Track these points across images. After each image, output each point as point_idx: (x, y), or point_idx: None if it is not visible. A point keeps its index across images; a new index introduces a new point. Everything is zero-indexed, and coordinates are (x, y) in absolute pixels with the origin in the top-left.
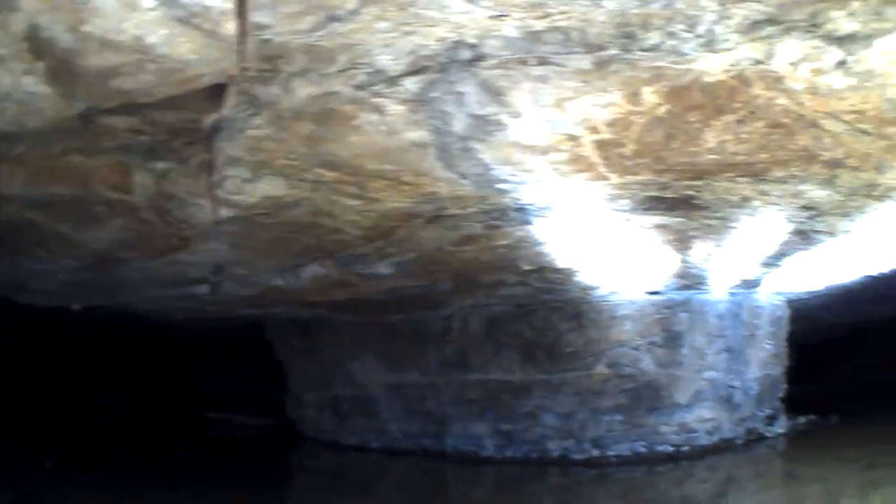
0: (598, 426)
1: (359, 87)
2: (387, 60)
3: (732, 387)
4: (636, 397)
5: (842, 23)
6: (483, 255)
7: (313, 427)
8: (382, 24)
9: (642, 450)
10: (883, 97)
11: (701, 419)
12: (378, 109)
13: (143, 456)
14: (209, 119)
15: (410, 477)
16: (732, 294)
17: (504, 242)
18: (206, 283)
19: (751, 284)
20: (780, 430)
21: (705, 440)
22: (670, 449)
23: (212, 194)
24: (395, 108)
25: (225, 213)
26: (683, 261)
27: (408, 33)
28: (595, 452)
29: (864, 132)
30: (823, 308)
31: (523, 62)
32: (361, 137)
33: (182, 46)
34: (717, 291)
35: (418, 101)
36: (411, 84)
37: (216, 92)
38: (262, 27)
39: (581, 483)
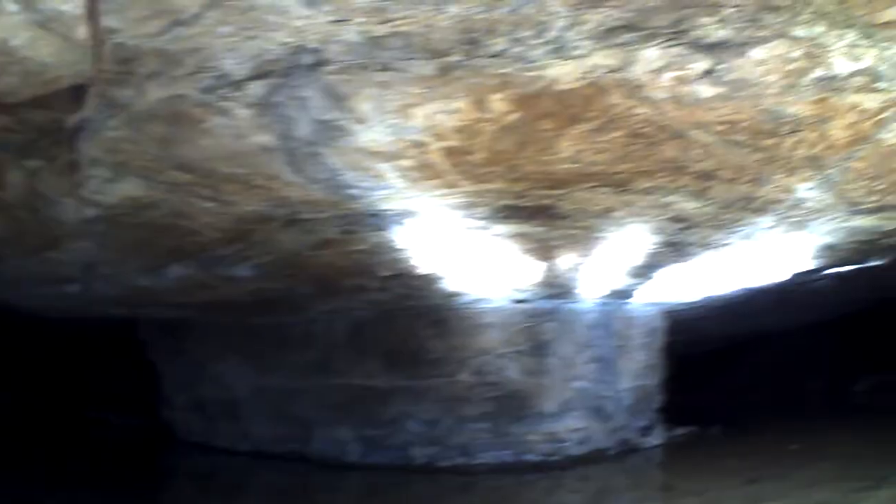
0: (464, 434)
1: (206, 90)
2: (231, 64)
3: (603, 397)
4: (502, 405)
5: (711, 30)
6: (340, 259)
7: (184, 429)
8: (225, 29)
9: (510, 458)
10: (757, 108)
11: (570, 429)
12: (225, 113)
13: (20, 455)
14: (72, 119)
15: (276, 482)
16: (603, 304)
17: (361, 248)
18: (76, 282)
19: (622, 295)
20: (657, 442)
21: (576, 450)
22: (539, 458)
23: (77, 193)
24: (241, 112)
25: (90, 212)
26: (549, 270)
27: (250, 38)
28: (461, 460)
29: (738, 144)
30: (704, 319)
31: (365, 68)
32: (211, 140)
33: (42, 49)
34: (587, 301)
35: (263, 106)
36: (256, 88)
37: (77, 93)
38: (113, 31)
39: (448, 491)
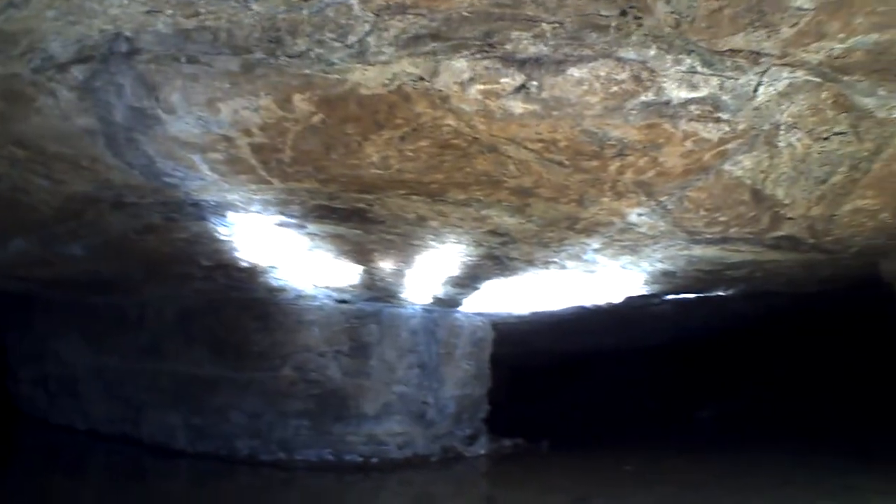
0: (286, 429)
1: (36, 70)
2: (57, 47)
3: (426, 403)
4: (323, 404)
5: (526, 45)
6: (164, 246)
7: (28, 403)
8: (51, 13)
9: (330, 458)
10: (577, 128)
11: (391, 432)
12: (53, 94)
13: None
14: None
15: (110, 463)
16: (428, 310)
17: (182, 236)
18: None
19: (448, 303)
20: (482, 451)
21: (397, 454)
22: (359, 459)
23: None
24: (66, 94)
25: None
26: (368, 273)
27: (73, 23)
28: (282, 455)
29: (558, 163)
30: (536, 334)
31: (176, 59)
32: (41, 119)
33: None
34: (411, 306)
35: (85, 89)
36: (78, 72)
37: None
38: None
39: (271, 486)
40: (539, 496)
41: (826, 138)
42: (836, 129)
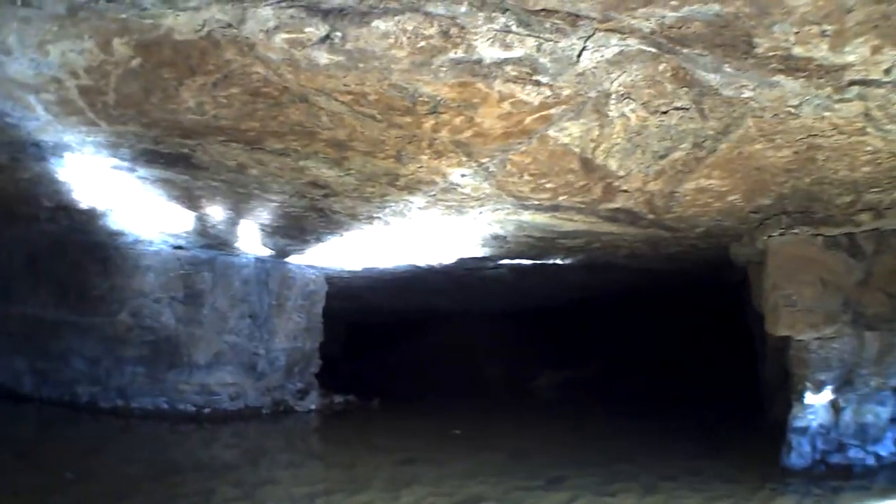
0: (123, 376)
1: None
2: None
3: (257, 354)
4: (157, 351)
5: None
6: (10, 186)
7: None
8: None
9: (165, 406)
10: (387, 82)
11: (223, 383)
12: None
13: None
14: None
15: None
16: (260, 260)
17: (25, 176)
18: None
19: (280, 254)
20: (313, 406)
21: (229, 405)
22: (193, 409)
23: None
24: None
25: None
26: (200, 219)
27: None
28: (120, 402)
29: (371, 117)
30: (372, 290)
31: (12, 1)
32: None
33: None
34: (244, 255)
35: None
36: None
37: None
38: None
39: (109, 432)
40: (365, 456)
41: (665, 112)
42: (677, 104)
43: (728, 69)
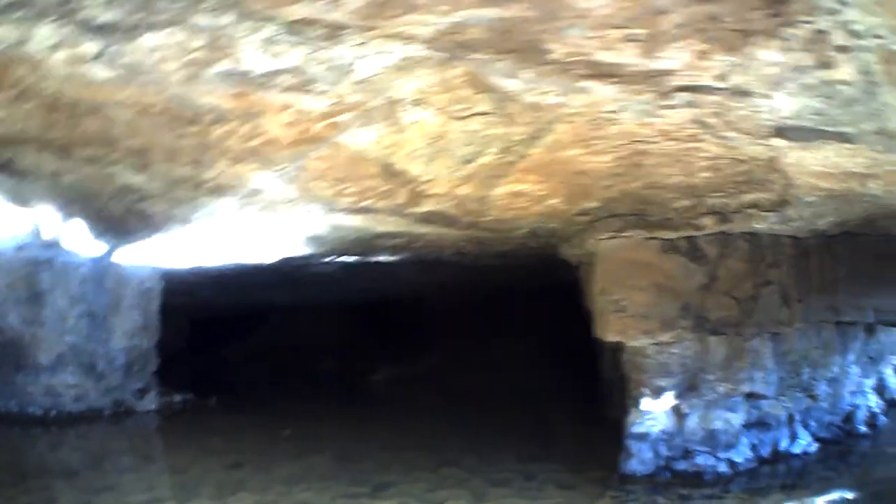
0: None
1: None
2: None
3: (96, 354)
4: (4, 353)
5: (99, 11)
6: None
7: None
8: None
9: (16, 409)
10: (166, 94)
11: (66, 384)
12: None
13: None
14: None
15: None
16: (96, 259)
17: None
18: None
19: (112, 253)
20: (153, 406)
21: (73, 406)
22: (40, 412)
23: None
24: None
25: None
26: (35, 220)
27: None
28: None
29: (162, 127)
30: (206, 287)
31: None
32: None
33: None
34: (80, 255)
35: None
36: None
37: None
38: None
39: None
40: (197, 459)
41: (465, 118)
42: (477, 110)
43: (526, 74)
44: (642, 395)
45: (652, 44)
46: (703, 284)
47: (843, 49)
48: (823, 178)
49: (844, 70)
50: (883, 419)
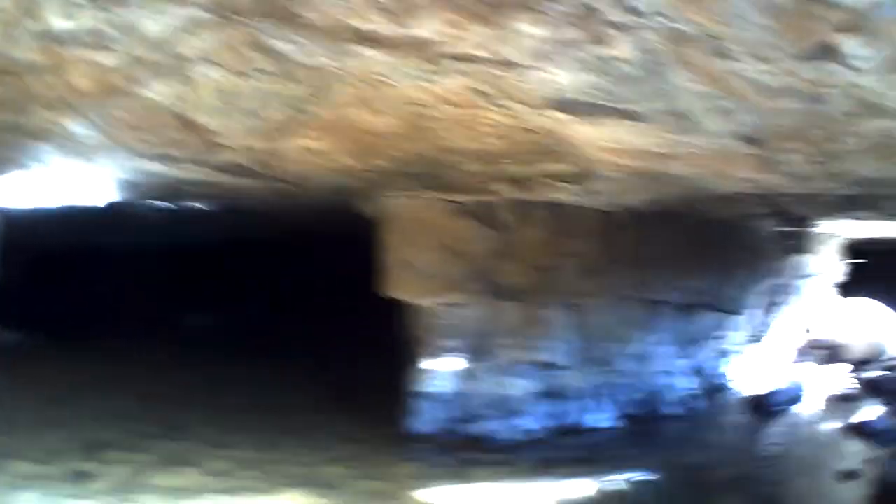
0: None
1: None
2: None
3: None
4: None
5: None
6: None
7: None
8: None
9: None
10: None
11: None
12: None
13: None
14: None
15: None
16: None
17: None
18: None
19: None
20: None
21: None
22: None
23: None
24: None
25: None
26: None
27: None
28: None
29: None
30: (45, 228)
31: None
32: None
33: None
34: None
35: None
36: None
37: None
38: None
39: None
40: (15, 393)
41: (250, 76)
42: (263, 69)
43: (296, 38)
44: (431, 356)
45: (401, 12)
46: (498, 250)
47: (619, 26)
48: (619, 155)
49: (623, 48)
50: (697, 402)
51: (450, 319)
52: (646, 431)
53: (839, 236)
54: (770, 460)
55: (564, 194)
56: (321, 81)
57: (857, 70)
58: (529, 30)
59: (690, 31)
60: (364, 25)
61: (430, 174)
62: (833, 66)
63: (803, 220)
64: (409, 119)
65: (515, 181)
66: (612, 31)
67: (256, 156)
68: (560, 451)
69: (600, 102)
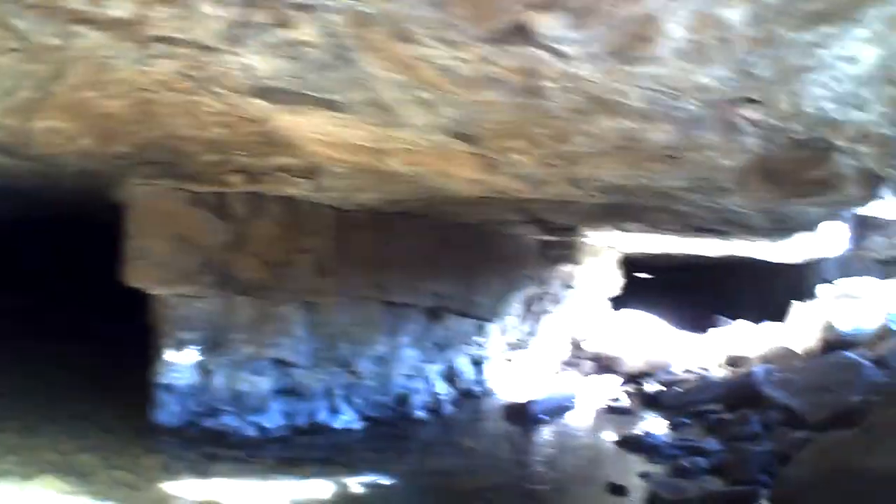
0: None
1: None
2: None
3: None
4: None
5: None
6: None
7: None
8: None
9: None
10: None
11: None
12: None
13: None
14: None
15: None
16: None
17: None
18: None
19: None
20: None
21: None
22: None
23: None
24: None
25: None
26: None
27: None
28: None
29: None
30: None
31: None
32: None
33: None
34: None
35: None
36: None
37: None
38: None
39: None
40: None
41: (4, 54)
42: (10, 46)
43: (31, 16)
44: (167, 347)
45: None
46: (231, 243)
47: (302, 7)
48: (334, 149)
49: (308, 31)
50: (450, 408)
51: (185, 311)
52: (391, 434)
53: (615, 249)
54: (526, 469)
55: (298, 189)
56: (56, 61)
57: (565, 57)
58: (213, 11)
59: (370, 11)
60: (69, 4)
61: (169, 162)
62: (534, 51)
63: (569, 230)
64: (140, 104)
65: (249, 173)
66: (294, 13)
67: (11, 134)
68: (300, 450)
69: (297, 90)
